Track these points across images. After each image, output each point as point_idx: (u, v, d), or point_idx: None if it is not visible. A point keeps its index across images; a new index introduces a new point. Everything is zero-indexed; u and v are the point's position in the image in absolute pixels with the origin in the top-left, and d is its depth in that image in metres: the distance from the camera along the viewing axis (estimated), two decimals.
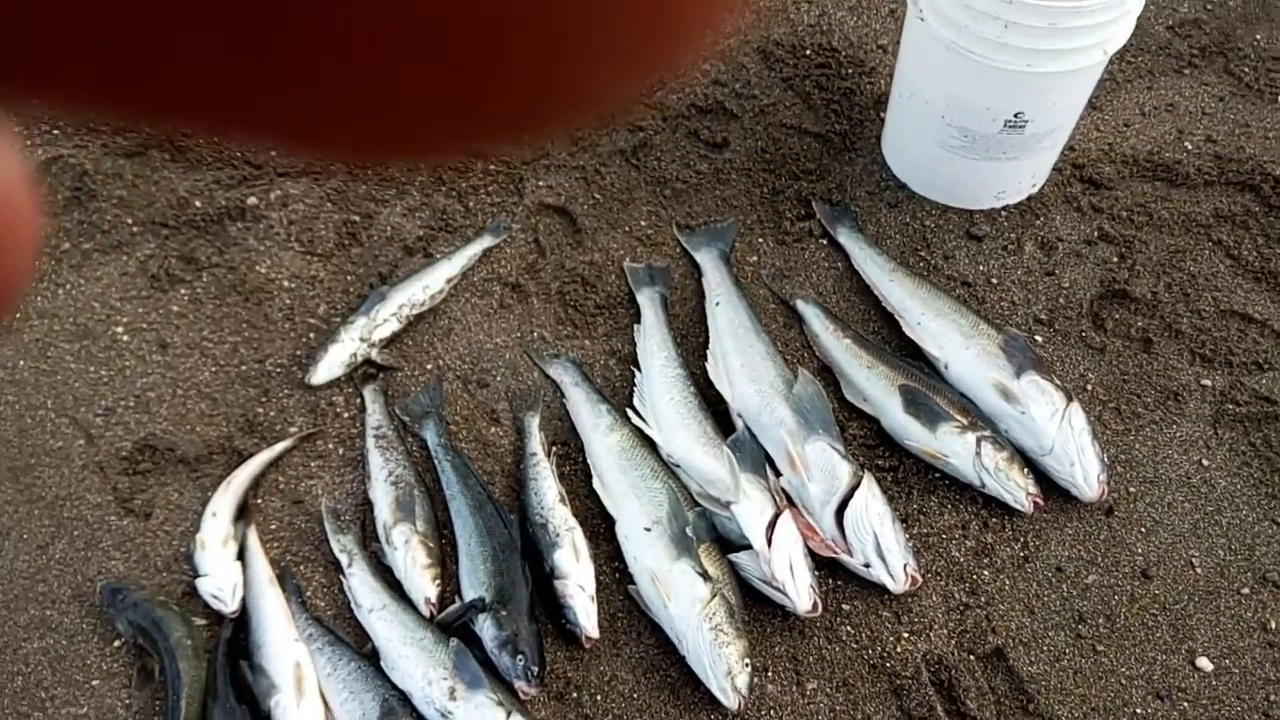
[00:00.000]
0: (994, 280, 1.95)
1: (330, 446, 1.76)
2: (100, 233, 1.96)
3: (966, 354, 1.77)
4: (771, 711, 1.52)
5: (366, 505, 1.68)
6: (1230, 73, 2.24)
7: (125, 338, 1.84)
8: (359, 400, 1.79)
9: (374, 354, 1.83)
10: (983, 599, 1.62)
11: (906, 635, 1.59)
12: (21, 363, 1.81)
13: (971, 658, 1.57)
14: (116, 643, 1.57)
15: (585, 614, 1.54)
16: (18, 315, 1.85)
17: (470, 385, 1.83)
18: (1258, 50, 2.27)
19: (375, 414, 1.77)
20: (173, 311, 1.88)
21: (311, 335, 1.86)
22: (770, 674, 1.55)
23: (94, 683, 1.55)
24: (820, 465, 1.63)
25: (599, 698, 1.53)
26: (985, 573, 1.65)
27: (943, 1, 1.70)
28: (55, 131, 2.08)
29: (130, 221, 1.97)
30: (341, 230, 1.99)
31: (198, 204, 1.99)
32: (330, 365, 1.80)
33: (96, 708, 1.52)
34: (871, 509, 1.58)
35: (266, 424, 1.76)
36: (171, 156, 2.05)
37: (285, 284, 1.92)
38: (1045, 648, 1.59)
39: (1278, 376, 1.83)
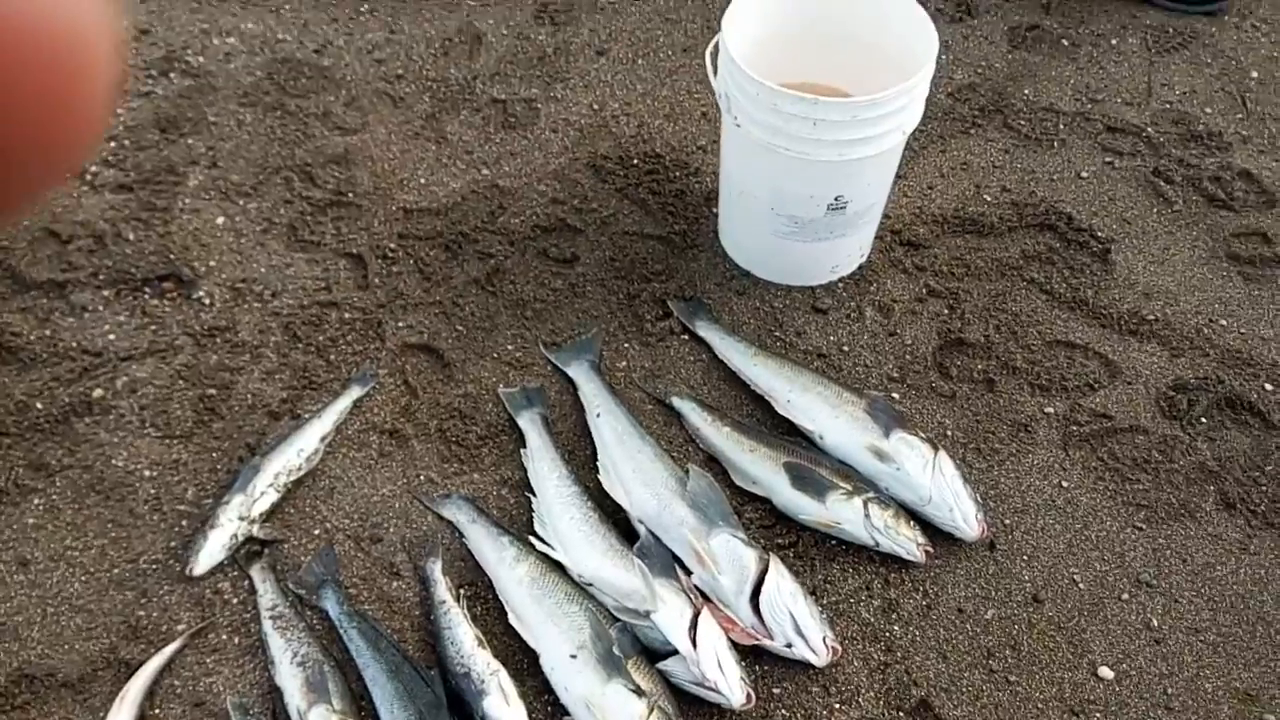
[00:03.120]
0: (845, 348, 2.08)
1: (225, 638, 1.67)
2: None
3: (837, 423, 1.87)
4: None
5: (275, 693, 1.60)
6: (1009, 127, 2.50)
7: None
8: (247, 583, 1.72)
9: (255, 530, 1.76)
10: (899, 654, 1.69)
11: (838, 706, 1.63)
12: None
13: (901, 714, 1.63)
14: None
15: None
16: None
17: (363, 543, 1.79)
18: (1028, 104, 2.55)
19: (267, 594, 1.70)
20: (28, 525, 1.75)
21: (184, 523, 1.78)
22: None
23: None
24: (727, 556, 1.68)
25: None
26: (896, 628, 1.73)
27: (753, 109, 1.84)
28: None
29: None
30: (198, 406, 1.92)
31: (39, 405, 1.88)
32: (210, 551, 1.72)
33: None
34: (783, 589, 1.63)
35: (151, 627, 1.66)
36: (1, 359, 1.94)
37: (146, 474, 1.83)
38: (964, 689, 1.67)
39: (1109, 393, 2.02)
